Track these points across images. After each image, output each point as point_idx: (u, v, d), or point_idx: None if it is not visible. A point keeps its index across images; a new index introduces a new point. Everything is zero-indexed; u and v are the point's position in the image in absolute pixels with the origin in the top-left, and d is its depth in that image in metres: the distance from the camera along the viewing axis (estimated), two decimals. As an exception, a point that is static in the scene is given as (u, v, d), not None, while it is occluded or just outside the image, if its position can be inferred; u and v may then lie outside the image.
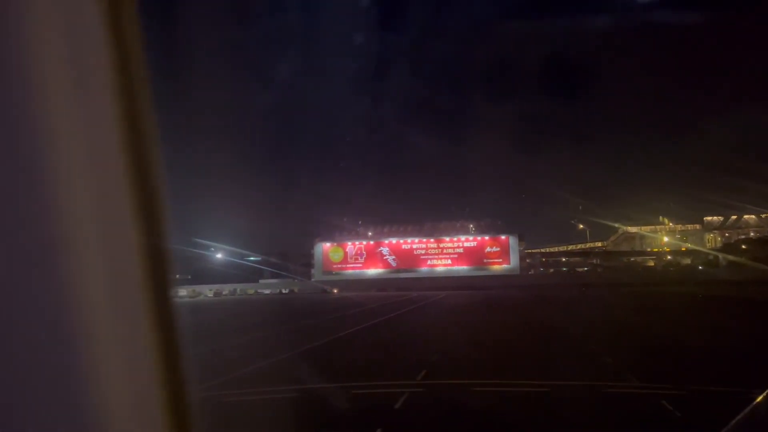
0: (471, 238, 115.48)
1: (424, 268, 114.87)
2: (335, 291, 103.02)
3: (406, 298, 65.43)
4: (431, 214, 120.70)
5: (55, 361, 1.41)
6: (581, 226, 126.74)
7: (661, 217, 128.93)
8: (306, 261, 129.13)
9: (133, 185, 1.56)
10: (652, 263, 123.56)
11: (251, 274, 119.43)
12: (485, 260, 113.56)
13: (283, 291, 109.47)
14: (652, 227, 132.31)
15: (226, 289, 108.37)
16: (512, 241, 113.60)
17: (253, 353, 21.22)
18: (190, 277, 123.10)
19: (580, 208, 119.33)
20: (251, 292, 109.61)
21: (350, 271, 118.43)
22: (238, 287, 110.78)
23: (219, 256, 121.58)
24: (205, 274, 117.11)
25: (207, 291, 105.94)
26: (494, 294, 68.73)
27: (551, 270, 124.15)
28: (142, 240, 1.56)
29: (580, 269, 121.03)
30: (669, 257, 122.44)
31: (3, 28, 1.39)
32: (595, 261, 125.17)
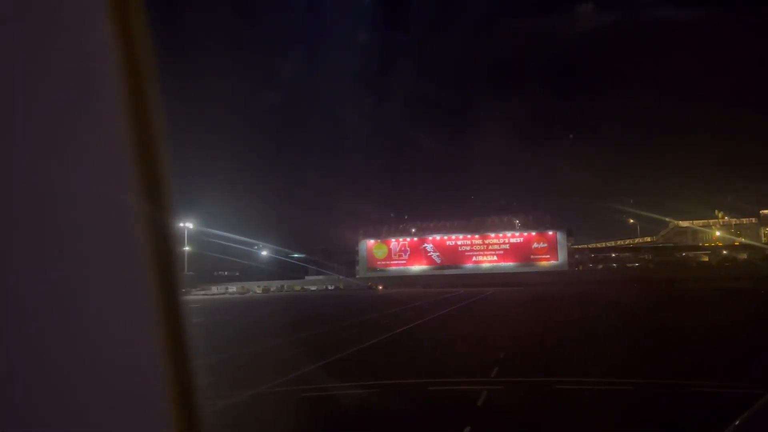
0: (517, 233, 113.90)
1: (468, 265, 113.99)
2: (380, 288, 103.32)
3: (454, 295, 65.03)
4: (476, 210, 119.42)
5: (58, 360, 1.39)
6: (631, 220, 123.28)
7: (716, 211, 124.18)
8: (348, 258, 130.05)
9: (138, 183, 1.53)
10: (706, 258, 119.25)
11: (295, 272, 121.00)
12: (532, 256, 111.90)
13: (329, 287, 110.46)
14: (705, 221, 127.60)
15: (273, 285, 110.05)
16: (560, 236, 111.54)
17: (321, 348, 21.47)
18: (238, 273, 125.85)
19: (631, 201, 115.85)
20: (297, 288, 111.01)
21: (394, 268, 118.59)
22: (285, 284, 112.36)
23: (264, 253, 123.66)
24: (251, 271, 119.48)
25: (255, 287, 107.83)
26: (544, 291, 67.58)
27: (600, 266, 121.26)
28: (148, 238, 1.53)
29: (630, 265, 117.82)
30: (725, 252, 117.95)
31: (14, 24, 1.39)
32: (646, 256, 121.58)
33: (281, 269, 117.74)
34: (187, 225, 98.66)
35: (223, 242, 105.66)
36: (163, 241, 1.56)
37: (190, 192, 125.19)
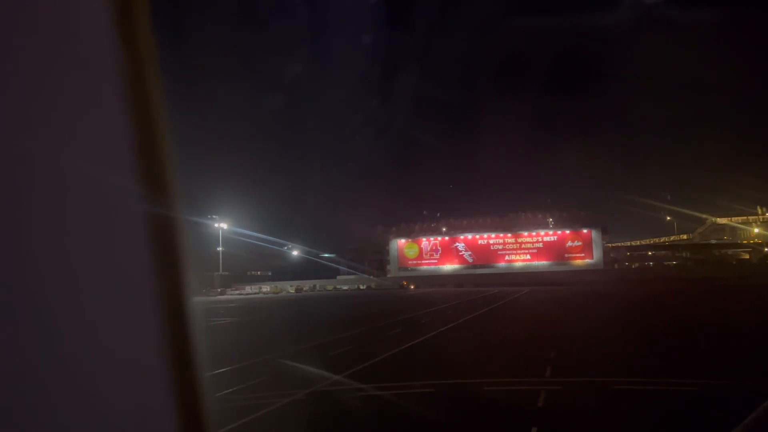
0: (551, 232, 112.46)
1: (501, 264, 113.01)
2: (412, 287, 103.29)
3: (490, 294, 64.60)
4: (508, 208, 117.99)
5: (56, 359, 1.37)
6: (668, 218, 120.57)
7: (758, 207, 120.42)
8: (377, 258, 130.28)
9: (143, 179, 1.54)
10: (746, 256, 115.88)
11: (326, 271, 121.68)
12: (566, 255, 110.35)
13: (361, 287, 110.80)
14: (744, 218, 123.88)
15: (306, 285, 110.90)
16: (595, 234, 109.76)
17: (367, 347, 21.61)
18: (270, 273, 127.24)
19: (669, 198, 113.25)
20: (330, 288, 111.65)
21: (425, 267, 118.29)
22: (317, 283, 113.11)
23: (294, 253, 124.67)
24: (283, 271, 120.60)
25: (288, 287, 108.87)
26: (581, 290, 66.54)
27: (635, 265, 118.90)
28: (154, 240, 1.53)
29: (667, 263, 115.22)
30: (767, 249, 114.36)
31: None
32: (683, 254, 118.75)
33: (312, 269, 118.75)
34: (222, 226, 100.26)
35: (255, 242, 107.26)
36: (170, 240, 1.58)
37: (222, 193, 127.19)
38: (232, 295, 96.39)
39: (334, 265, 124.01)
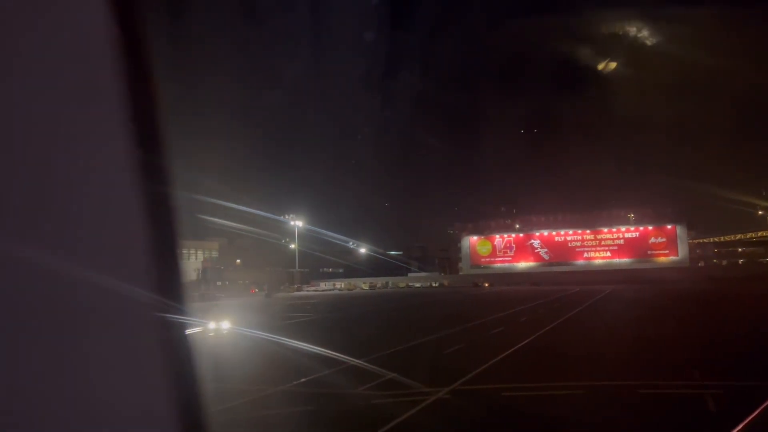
0: (632, 228, 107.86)
1: (579, 261, 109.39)
2: (486, 285, 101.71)
3: (575, 292, 62.59)
4: (584, 204, 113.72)
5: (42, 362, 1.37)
6: (760, 212, 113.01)
7: None
8: (444, 255, 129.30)
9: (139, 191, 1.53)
10: None
11: (395, 269, 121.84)
12: (649, 252, 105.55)
13: (433, 284, 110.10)
14: None
15: (379, 282, 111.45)
16: (680, 230, 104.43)
17: (485, 345, 21.25)
18: (341, 270, 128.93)
19: (763, 193, 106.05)
20: (402, 285, 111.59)
21: (498, 265, 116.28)
22: (390, 280, 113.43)
23: (362, 251, 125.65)
24: (353, 268, 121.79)
25: (361, 284, 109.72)
26: (671, 288, 63.17)
27: (724, 262, 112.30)
28: (150, 248, 1.53)
29: (761, 260, 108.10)
30: None
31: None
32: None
33: (382, 267, 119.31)
34: (297, 224, 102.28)
35: (325, 239, 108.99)
36: (164, 239, 1.58)
37: (295, 193, 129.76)
38: (308, 291, 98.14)
39: (398, 262, 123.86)
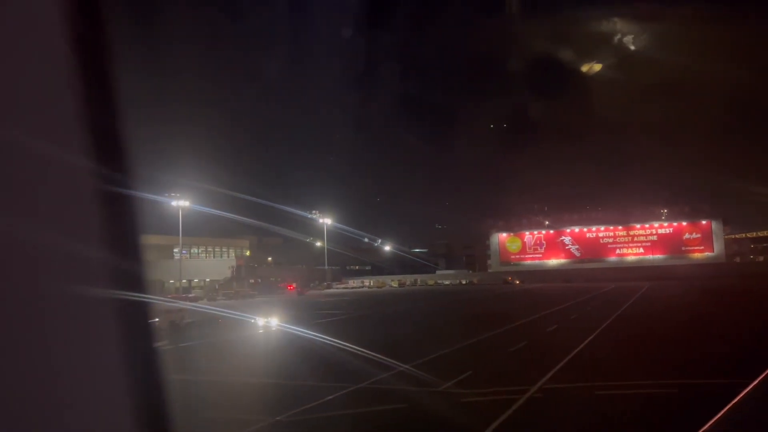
0: (665, 224, 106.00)
1: (612, 258, 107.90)
2: (517, 282, 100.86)
3: (611, 289, 61.62)
4: (615, 200, 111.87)
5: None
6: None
7: None
8: (469, 252, 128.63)
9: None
10: None
11: (422, 266, 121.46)
12: (683, 248, 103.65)
13: (463, 282, 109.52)
14: None
15: (407, 279, 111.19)
16: (715, 226, 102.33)
17: (544, 344, 20.91)
18: (368, 268, 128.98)
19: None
20: (431, 283, 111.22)
21: (528, 262, 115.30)
22: (419, 278, 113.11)
23: (387, 248, 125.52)
24: (380, 266, 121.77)
25: (390, 281, 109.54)
26: (712, 284, 61.46)
27: (761, 257, 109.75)
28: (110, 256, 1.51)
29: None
30: None
31: None
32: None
33: (407, 264, 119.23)
34: (326, 221, 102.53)
35: (352, 237, 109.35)
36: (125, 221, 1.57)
37: (322, 191, 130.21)
38: (338, 288, 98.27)
39: (421, 260, 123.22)
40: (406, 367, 15.70)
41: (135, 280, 1.61)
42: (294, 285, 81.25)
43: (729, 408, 2.04)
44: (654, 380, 13.49)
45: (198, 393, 14.93)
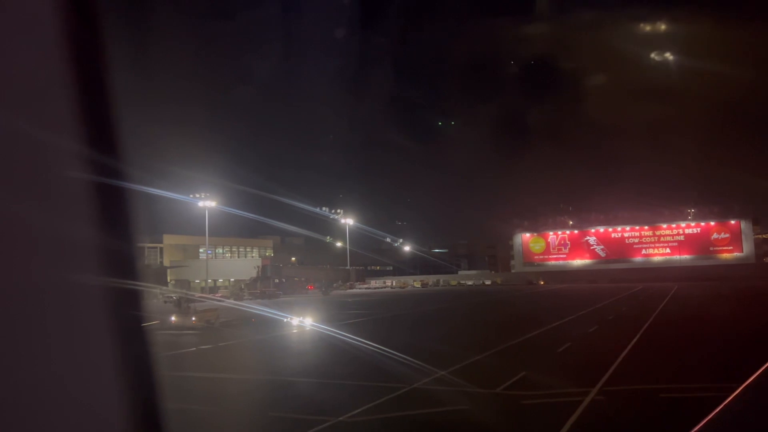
0: (693, 224, 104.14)
1: (637, 258, 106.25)
2: (542, 282, 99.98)
3: (640, 290, 60.63)
4: (641, 200, 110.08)
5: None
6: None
7: None
8: (490, 252, 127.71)
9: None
10: None
11: (444, 267, 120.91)
12: (711, 248, 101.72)
13: (486, 282, 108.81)
14: None
15: (430, 279, 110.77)
16: (744, 225, 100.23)
17: (590, 345, 20.59)
18: (390, 268, 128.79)
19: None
20: (454, 283, 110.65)
21: (552, 262, 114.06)
22: (441, 278, 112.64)
23: (407, 249, 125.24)
24: (402, 266, 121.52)
25: (412, 282, 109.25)
26: (746, 285, 60.19)
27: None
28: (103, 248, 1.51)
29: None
30: None
31: None
32: None
33: (429, 265, 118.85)
34: (348, 222, 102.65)
35: (373, 237, 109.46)
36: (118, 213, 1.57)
37: (343, 192, 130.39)
38: (361, 288, 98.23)
39: (442, 261, 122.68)
40: (455, 368, 15.54)
41: (128, 268, 1.59)
42: (313, 285, 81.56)
43: None
44: (717, 383, 13.12)
45: (250, 391, 14.96)
